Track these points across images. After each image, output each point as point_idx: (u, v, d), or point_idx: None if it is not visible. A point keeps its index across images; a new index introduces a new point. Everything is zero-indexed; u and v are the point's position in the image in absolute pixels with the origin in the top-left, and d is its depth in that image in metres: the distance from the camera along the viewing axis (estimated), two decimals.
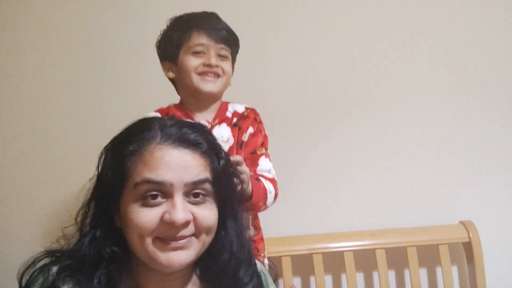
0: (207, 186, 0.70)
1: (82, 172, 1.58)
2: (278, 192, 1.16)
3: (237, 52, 1.22)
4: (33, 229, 1.53)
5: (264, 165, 1.17)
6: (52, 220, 1.54)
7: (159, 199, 0.67)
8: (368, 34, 1.59)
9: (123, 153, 0.69)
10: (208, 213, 0.70)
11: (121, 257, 0.70)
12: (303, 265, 1.50)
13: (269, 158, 1.20)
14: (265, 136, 1.22)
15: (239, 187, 0.85)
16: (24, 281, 0.69)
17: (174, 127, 0.71)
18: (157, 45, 1.21)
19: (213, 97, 1.17)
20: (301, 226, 1.54)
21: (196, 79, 1.13)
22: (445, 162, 1.59)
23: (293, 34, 1.59)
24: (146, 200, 0.67)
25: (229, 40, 1.17)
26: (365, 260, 1.53)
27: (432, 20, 1.60)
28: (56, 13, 1.56)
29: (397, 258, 1.54)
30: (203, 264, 0.76)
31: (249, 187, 1.06)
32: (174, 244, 0.67)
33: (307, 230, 1.52)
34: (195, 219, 0.68)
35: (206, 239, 0.71)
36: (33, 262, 0.70)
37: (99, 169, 0.72)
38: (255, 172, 1.16)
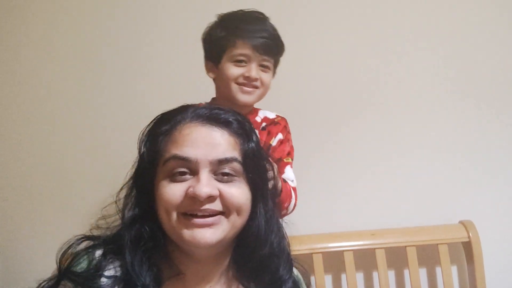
0: (236, 165, 0.70)
1: (82, 172, 1.59)
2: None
3: (280, 56, 1.21)
4: (33, 228, 1.54)
5: (289, 174, 1.18)
6: (52, 219, 1.54)
7: (187, 176, 0.68)
8: (372, 36, 1.59)
9: (157, 134, 0.72)
10: (236, 191, 0.69)
11: (159, 237, 0.70)
12: (303, 264, 1.50)
13: (292, 169, 1.20)
14: (292, 147, 1.23)
15: (270, 174, 0.83)
16: (64, 264, 0.70)
17: (205, 108, 0.73)
18: (203, 38, 1.20)
19: (247, 106, 1.18)
20: (301, 226, 1.53)
21: (234, 88, 1.13)
22: (445, 162, 1.59)
23: (299, 35, 1.58)
24: (175, 177, 0.68)
25: (273, 51, 1.16)
26: (365, 260, 1.53)
27: (438, 21, 1.60)
28: (58, 13, 1.56)
29: (396, 258, 1.54)
30: (239, 257, 0.76)
31: (279, 184, 1.05)
32: (199, 221, 0.67)
33: (307, 230, 1.52)
34: (221, 196, 0.68)
35: (237, 220, 0.70)
36: (71, 245, 0.71)
37: (139, 151, 0.74)
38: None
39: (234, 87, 1.13)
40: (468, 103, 1.60)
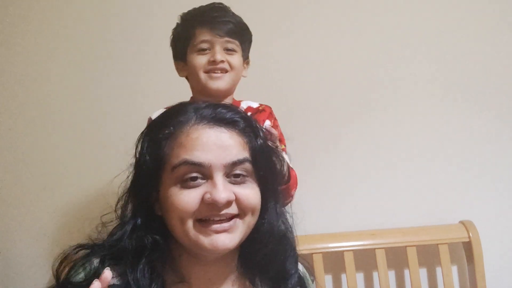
0: (247, 165, 0.68)
1: (83, 173, 1.58)
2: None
3: (249, 41, 1.19)
4: (33, 228, 1.53)
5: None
6: (53, 219, 1.54)
7: (199, 180, 0.66)
8: (371, 38, 1.59)
9: (159, 138, 0.68)
10: (250, 192, 0.68)
11: (163, 246, 0.68)
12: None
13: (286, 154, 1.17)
14: (281, 133, 1.20)
15: (278, 166, 0.80)
16: (63, 276, 0.67)
17: (208, 108, 0.70)
18: (170, 43, 1.19)
19: (222, 94, 1.14)
20: (300, 226, 1.53)
21: (204, 77, 1.11)
22: (445, 161, 1.59)
23: (303, 35, 1.59)
24: (186, 183, 0.66)
25: (236, 32, 1.13)
26: (365, 260, 1.53)
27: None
28: (58, 12, 1.56)
29: (397, 258, 1.54)
30: (246, 253, 0.74)
31: (286, 168, 1.03)
32: (217, 226, 0.66)
33: (307, 230, 1.52)
34: (237, 199, 0.67)
35: (251, 220, 0.69)
36: (66, 257, 0.69)
37: (136, 156, 0.71)
38: None
39: (203, 76, 1.11)
40: (468, 103, 1.60)
